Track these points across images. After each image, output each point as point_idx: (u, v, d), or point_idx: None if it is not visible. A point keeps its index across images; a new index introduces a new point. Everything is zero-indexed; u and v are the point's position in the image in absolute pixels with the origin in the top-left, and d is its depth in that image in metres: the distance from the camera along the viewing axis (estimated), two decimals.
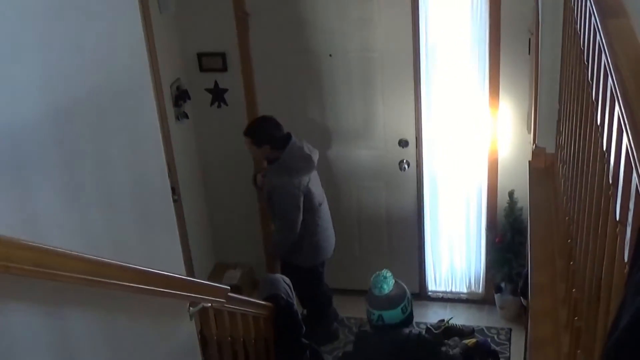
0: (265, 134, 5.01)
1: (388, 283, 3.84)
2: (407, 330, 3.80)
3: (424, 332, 5.44)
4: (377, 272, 3.89)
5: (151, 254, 2.75)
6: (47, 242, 1.93)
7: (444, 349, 3.85)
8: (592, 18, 2.20)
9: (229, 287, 3.33)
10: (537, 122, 4.21)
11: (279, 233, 5.18)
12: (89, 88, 2.40)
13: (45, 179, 2.14)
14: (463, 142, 5.53)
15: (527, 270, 4.58)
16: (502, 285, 5.69)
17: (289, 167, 4.97)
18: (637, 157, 1.40)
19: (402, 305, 3.83)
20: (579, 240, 2.57)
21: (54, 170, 2.20)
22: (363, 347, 3.93)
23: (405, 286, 3.95)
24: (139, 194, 2.72)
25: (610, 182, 1.80)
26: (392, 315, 3.80)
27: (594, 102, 2.19)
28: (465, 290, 6.11)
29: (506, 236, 5.53)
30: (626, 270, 1.57)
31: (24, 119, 2.04)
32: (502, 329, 5.72)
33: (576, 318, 2.48)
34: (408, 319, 3.88)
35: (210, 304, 3.14)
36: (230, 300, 3.41)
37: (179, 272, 2.96)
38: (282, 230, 5.15)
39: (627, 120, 1.52)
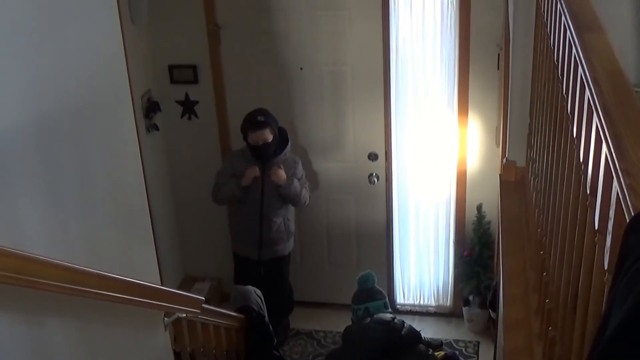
0: (275, 119, 5.27)
1: (373, 279, 4.01)
2: (391, 316, 3.89)
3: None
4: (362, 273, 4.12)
5: (128, 264, 2.76)
6: (26, 251, 1.92)
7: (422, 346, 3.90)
8: (568, 32, 2.24)
9: (203, 298, 3.33)
10: (507, 136, 4.26)
11: (307, 191, 5.46)
12: (69, 99, 2.40)
13: (25, 188, 2.14)
14: (432, 156, 5.58)
15: (497, 283, 4.63)
16: (470, 298, 5.73)
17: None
18: (618, 165, 1.44)
19: (384, 300, 3.96)
20: (553, 251, 2.61)
21: (34, 178, 2.19)
22: (350, 337, 3.96)
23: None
24: (117, 204, 2.72)
25: (588, 192, 1.83)
26: (376, 305, 3.91)
27: (569, 115, 2.23)
28: (433, 303, 6.14)
29: (474, 249, 5.58)
30: (606, 278, 1.61)
31: (4, 128, 2.03)
32: (470, 341, 5.76)
33: (550, 328, 2.51)
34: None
35: (185, 315, 3.14)
36: (205, 311, 3.41)
37: (155, 283, 2.95)
38: (307, 191, 5.43)
39: (607, 130, 1.56)
